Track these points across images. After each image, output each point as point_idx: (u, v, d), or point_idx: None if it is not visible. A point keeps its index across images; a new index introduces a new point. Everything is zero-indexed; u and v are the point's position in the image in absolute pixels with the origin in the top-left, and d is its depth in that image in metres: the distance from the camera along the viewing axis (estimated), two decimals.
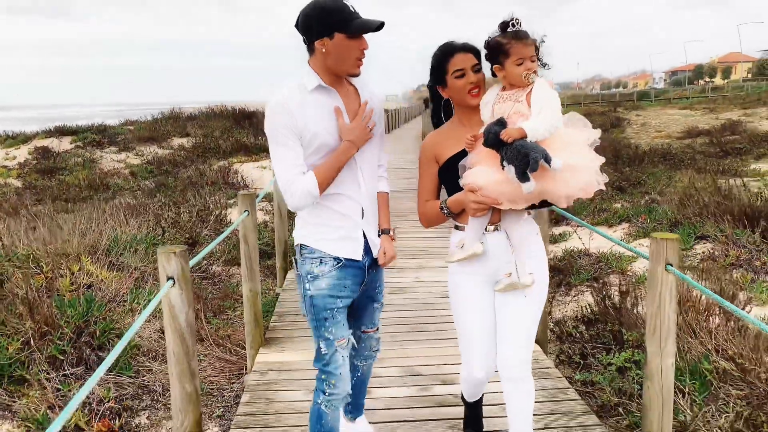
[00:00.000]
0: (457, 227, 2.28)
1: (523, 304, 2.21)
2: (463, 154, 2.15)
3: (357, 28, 2.00)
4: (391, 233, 2.35)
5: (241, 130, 19.26)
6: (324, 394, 2.27)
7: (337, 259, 2.19)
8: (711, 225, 6.69)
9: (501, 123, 1.99)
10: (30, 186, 14.28)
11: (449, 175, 2.20)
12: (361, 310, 2.42)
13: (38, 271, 4.95)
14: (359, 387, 2.64)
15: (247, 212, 3.64)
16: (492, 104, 2.11)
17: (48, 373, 3.71)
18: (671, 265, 2.30)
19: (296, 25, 2.10)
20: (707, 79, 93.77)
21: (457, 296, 2.31)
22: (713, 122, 26.10)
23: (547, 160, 1.93)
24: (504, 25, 2.08)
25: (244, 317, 3.95)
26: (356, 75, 2.12)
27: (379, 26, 2.02)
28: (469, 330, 2.30)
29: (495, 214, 2.17)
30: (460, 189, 2.14)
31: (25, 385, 3.69)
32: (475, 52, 2.17)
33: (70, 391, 3.64)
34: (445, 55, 2.17)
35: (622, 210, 8.60)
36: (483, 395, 2.69)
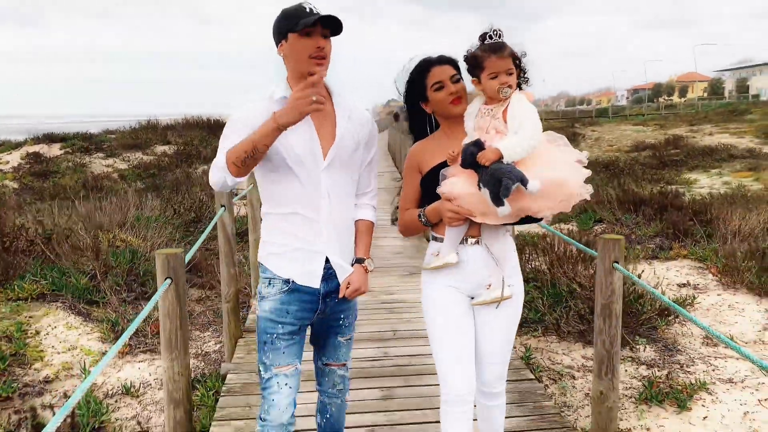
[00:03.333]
0: (434, 238, 2.21)
1: (502, 323, 2.19)
2: (445, 164, 2.11)
3: (302, 23, 1.91)
4: (365, 263, 2.16)
5: (217, 139, 20.77)
6: (260, 419, 2.15)
7: (286, 281, 2.08)
8: (607, 211, 8.55)
9: (477, 144, 1.96)
10: (27, 187, 15.52)
11: (431, 185, 2.13)
12: (323, 340, 2.25)
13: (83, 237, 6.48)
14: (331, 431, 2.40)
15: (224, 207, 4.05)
16: (474, 116, 2.08)
17: (110, 298, 5.27)
18: None
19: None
20: (665, 97, 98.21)
21: (431, 306, 2.21)
22: (661, 137, 28.47)
23: (524, 183, 1.88)
24: (482, 37, 2.04)
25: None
26: (316, 73, 1.96)
27: (324, 18, 1.92)
28: (447, 344, 2.18)
29: (474, 228, 2.12)
30: (438, 199, 2.10)
31: (93, 305, 5.23)
32: (453, 63, 2.15)
33: (125, 309, 5.19)
34: (422, 71, 2.15)
35: None
36: None
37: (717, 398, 3.79)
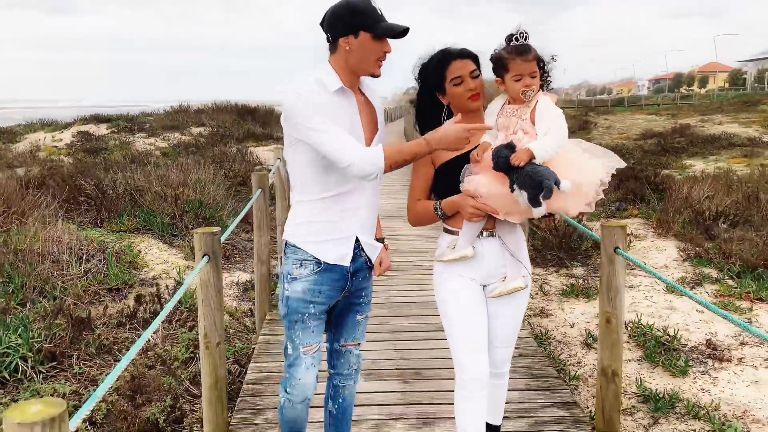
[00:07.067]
0: (448, 230, 2.24)
1: (513, 311, 2.27)
2: (460, 158, 2.14)
3: (383, 30, 2.02)
4: (385, 242, 2.34)
5: (246, 122, 22.76)
6: (285, 391, 2.27)
7: (318, 262, 2.13)
8: None
9: (510, 147, 1.98)
10: (80, 161, 17.45)
11: (445, 178, 2.16)
12: (342, 319, 2.32)
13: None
14: (341, 420, 2.45)
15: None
16: (496, 115, 2.12)
17: (185, 233, 7.06)
18: None
19: (321, 23, 2.10)
20: (686, 88, 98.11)
21: (446, 295, 2.24)
22: (670, 126, 29.61)
23: (557, 183, 1.93)
24: (509, 38, 2.07)
25: None
26: (377, 76, 2.10)
27: (403, 31, 2.03)
28: (464, 332, 2.21)
29: (489, 221, 2.15)
30: (452, 192, 2.13)
31: (174, 237, 7.04)
32: (473, 57, 2.16)
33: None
34: (442, 62, 2.16)
35: None
36: None
37: None
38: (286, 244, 2.19)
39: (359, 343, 2.39)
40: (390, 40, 2.06)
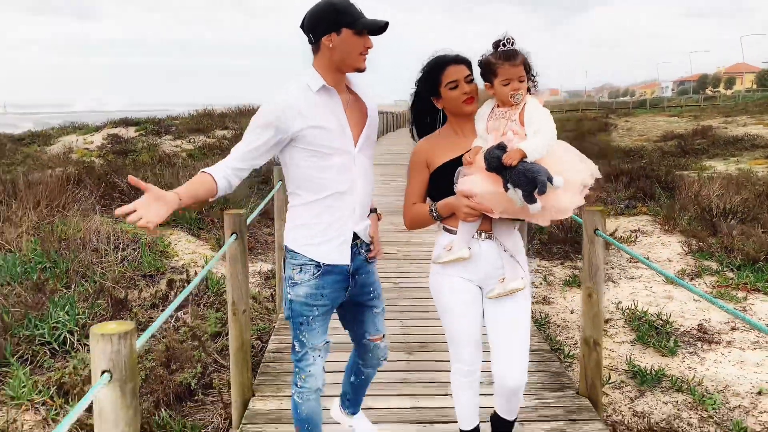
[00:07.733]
0: (446, 230, 2.27)
1: (515, 313, 2.25)
2: (455, 161, 2.18)
3: (363, 25, 2.08)
4: (378, 212, 2.39)
5: None
6: (296, 386, 2.33)
7: (318, 266, 2.17)
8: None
9: (502, 148, 2.03)
10: (110, 163, 18.14)
11: (439, 181, 2.20)
12: (361, 316, 2.41)
13: None
14: (360, 387, 2.65)
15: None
16: (486, 119, 2.18)
17: (210, 227, 7.51)
18: None
19: (302, 26, 2.15)
20: (711, 89, 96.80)
21: (443, 293, 2.29)
22: (692, 128, 29.45)
23: (550, 180, 1.97)
24: (495, 44, 2.13)
25: None
26: (362, 70, 2.15)
27: (384, 26, 2.10)
28: (459, 326, 2.28)
29: (485, 223, 2.19)
30: (448, 195, 2.17)
31: (201, 230, 7.50)
32: (467, 63, 2.22)
33: (222, 234, 7.44)
34: (438, 67, 2.22)
35: None
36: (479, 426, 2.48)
37: (617, 286, 5.76)
38: (286, 248, 2.26)
39: (384, 336, 2.47)
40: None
